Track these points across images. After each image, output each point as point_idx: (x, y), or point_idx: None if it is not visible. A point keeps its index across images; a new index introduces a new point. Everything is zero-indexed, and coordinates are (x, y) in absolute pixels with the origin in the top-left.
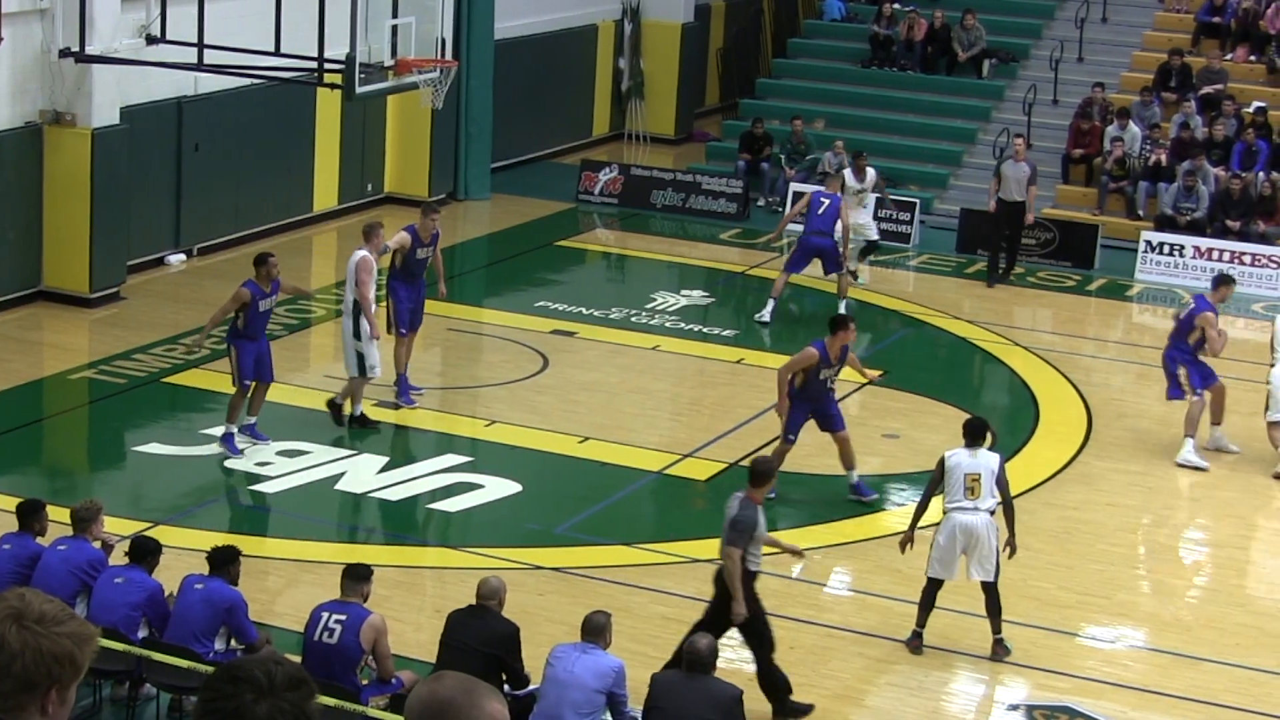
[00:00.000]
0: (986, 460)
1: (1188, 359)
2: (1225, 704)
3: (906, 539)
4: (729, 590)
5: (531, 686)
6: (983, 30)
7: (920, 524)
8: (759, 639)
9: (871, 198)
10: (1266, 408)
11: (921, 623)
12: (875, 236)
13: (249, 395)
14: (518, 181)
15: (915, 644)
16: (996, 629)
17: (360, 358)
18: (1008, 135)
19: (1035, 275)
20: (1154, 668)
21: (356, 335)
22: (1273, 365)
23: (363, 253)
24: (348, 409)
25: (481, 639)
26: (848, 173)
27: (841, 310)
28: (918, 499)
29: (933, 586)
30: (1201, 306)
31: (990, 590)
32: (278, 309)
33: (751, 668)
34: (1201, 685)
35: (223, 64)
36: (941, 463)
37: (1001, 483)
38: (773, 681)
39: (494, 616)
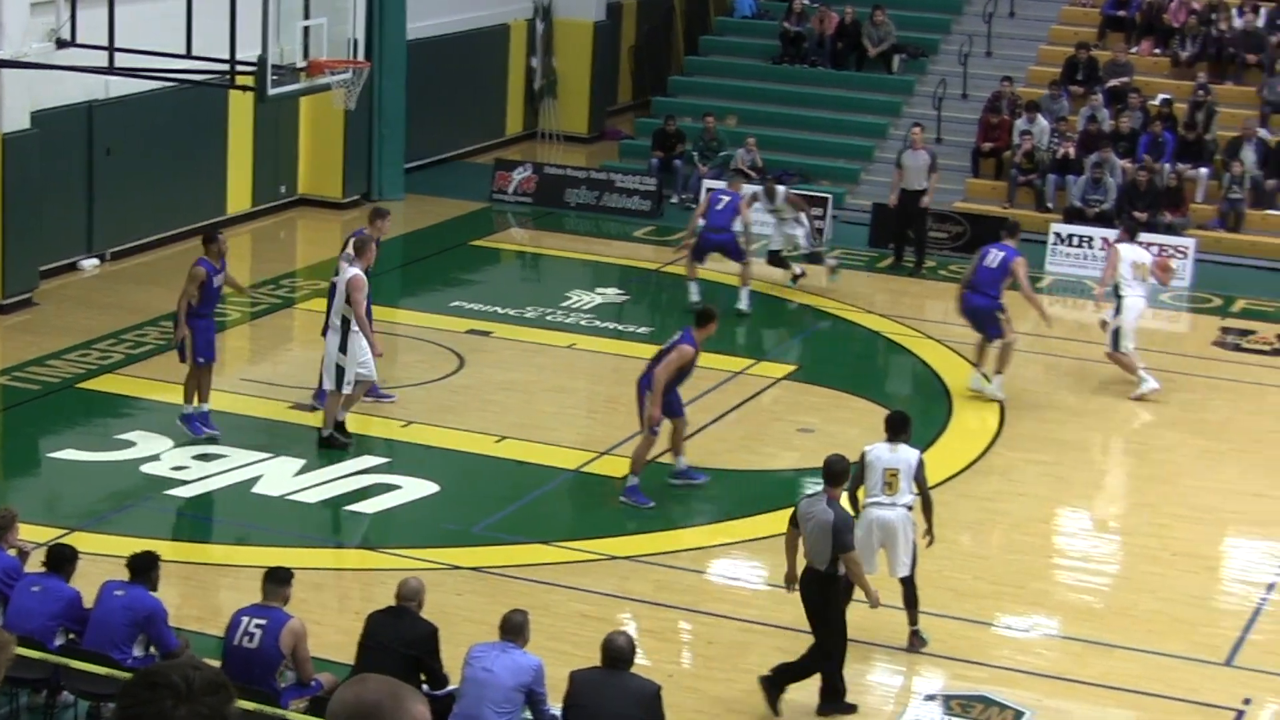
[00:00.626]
0: (905, 455)
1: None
2: (1138, 690)
3: None
4: (826, 597)
5: (450, 686)
6: (892, 26)
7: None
8: (832, 640)
9: (797, 214)
10: (1116, 343)
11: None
12: (806, 246)
13: (199, 377)
14: (431, 182)
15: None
16: (913, 620)
17: (340, 371)
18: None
19: (947, 268)
20: (1068, 655)
21: (343, 350)
22: (1119, 299)
23: (354, 270)
24: (330, 424)
25: (400, 640)
26: (759, 200)
27: (743, 303)
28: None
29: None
30: (1010, 254)
31: (907, 583)
32: None
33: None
34: (1115, 672)
35: (134, 67)
36: (862, 457)
37: (920, 479)
38: (832, 686)
39: (412, 617)
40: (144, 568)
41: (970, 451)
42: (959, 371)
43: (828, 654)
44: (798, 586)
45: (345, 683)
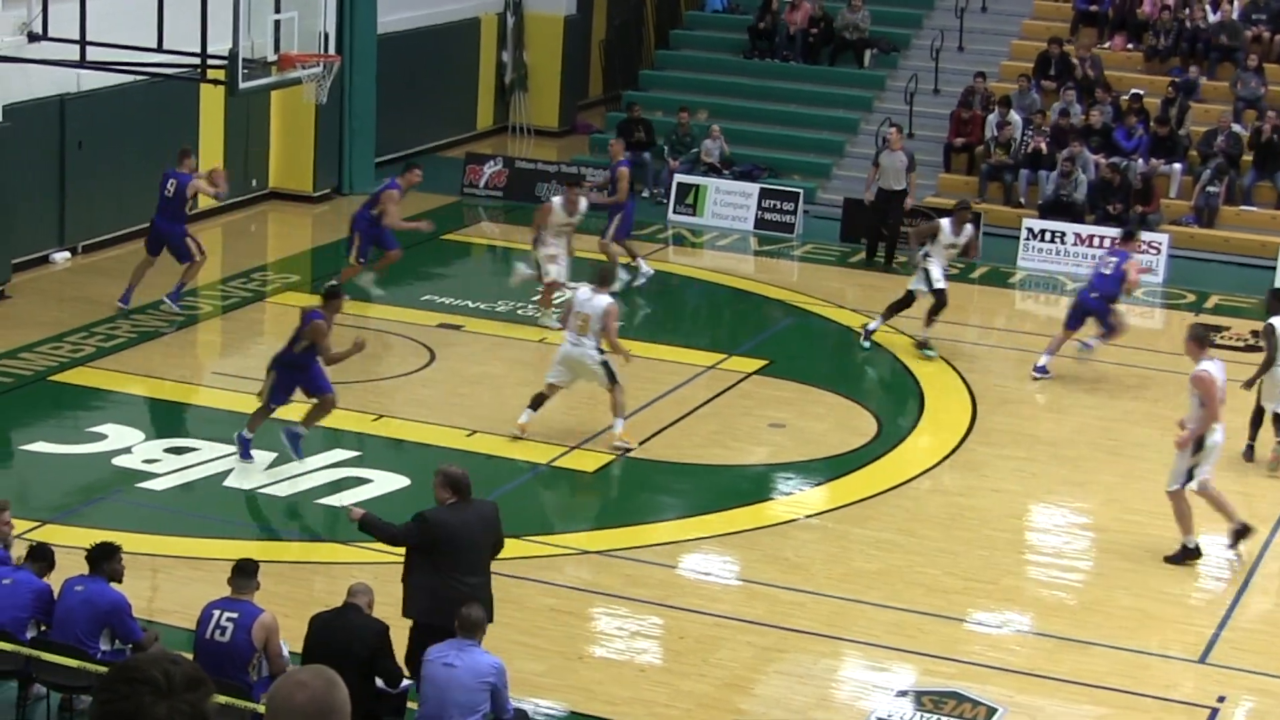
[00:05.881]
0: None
1: None
2: (1111, 686)
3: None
4: None
5: (406, 683)
6: (867, 15)
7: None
8: None
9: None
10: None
11: None
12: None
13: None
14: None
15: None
16: None
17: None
18: (890, 125)
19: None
20: (1040, 651)
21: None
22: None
23: (609, 300)
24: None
25: (351, 639)
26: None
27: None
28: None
29: None
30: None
31: None
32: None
33: None
34: (1087, 668)
35: (105, 61)
36: None
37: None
38: None
39: (361, 615)
40: (102, 558)
41: (942, 447)
42: (929, 366)
43: None
44: None
45: (277, 682)
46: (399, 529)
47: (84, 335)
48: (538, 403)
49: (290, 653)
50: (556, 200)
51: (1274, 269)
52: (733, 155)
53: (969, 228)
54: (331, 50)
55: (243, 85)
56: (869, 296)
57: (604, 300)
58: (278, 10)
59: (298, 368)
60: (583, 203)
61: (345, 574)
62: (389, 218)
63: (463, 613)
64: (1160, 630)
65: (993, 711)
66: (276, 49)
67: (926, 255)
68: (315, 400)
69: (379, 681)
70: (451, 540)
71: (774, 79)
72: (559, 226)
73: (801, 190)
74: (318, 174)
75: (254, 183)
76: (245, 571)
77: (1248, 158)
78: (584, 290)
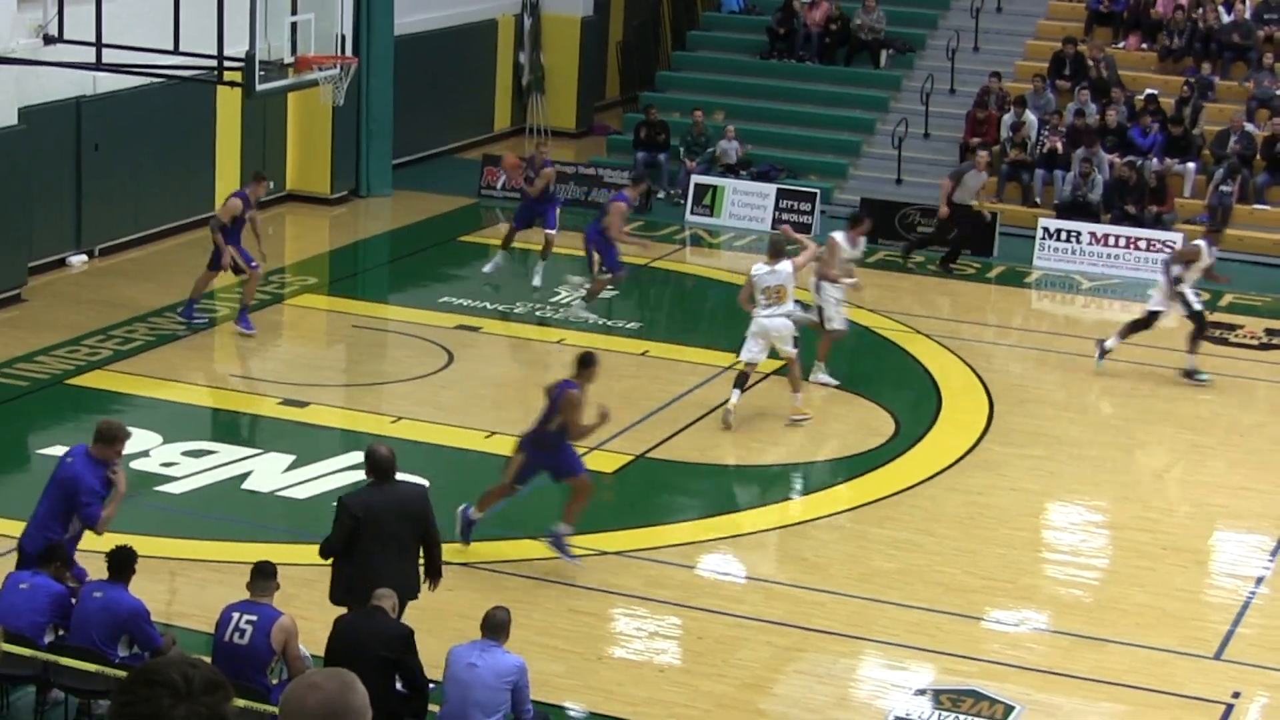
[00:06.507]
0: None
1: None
2: (1128, 684)
3: None
4: None
5: (430, 685)
6: (883, 16)
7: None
8: None
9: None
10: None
11: None
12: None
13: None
14: (420, 177)
15: None
16: None
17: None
18: (906, 125)
19: (935, 263)
20: (1057, 650)
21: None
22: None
23: (790, 262)
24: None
25: (376, 641)
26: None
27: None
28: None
29: None
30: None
31: None
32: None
33: None
34: (1105, 666)
35: (121, 63)
36: None
37: None
38: None
39: (386, 618)
40: (123, 564)
41: (960, 446)
42: (947, 365)
43: None
44: None
45: (299, 687)
46: (331, 534)
47: (101, 339)
48: (741, 382)
49: (313, 656)
50: (840, 235)
51: None
52: (749, 155)
53: (864, 240)
54: (348, 52)
55: (260, 87)
56: (887, 296)
57: (786, 266)
58: (294, 12)
59: (549, 447)
60: (863, 239)
61: None
62: (612, 229)
63: (488, 614)
64: (1176, 627)
65: (1010, 709)
66: (293, 51)
67: (1179, 280)
68: (570, 486)
69: (398, 684)
70: (366, 522)
71: (790, 79)
72: (845, 263)
73: (819, 190)
74: (335, 176)
75: (270, 185)
76: (264, 574)
77: (1261, 159)
78: (760, 266)
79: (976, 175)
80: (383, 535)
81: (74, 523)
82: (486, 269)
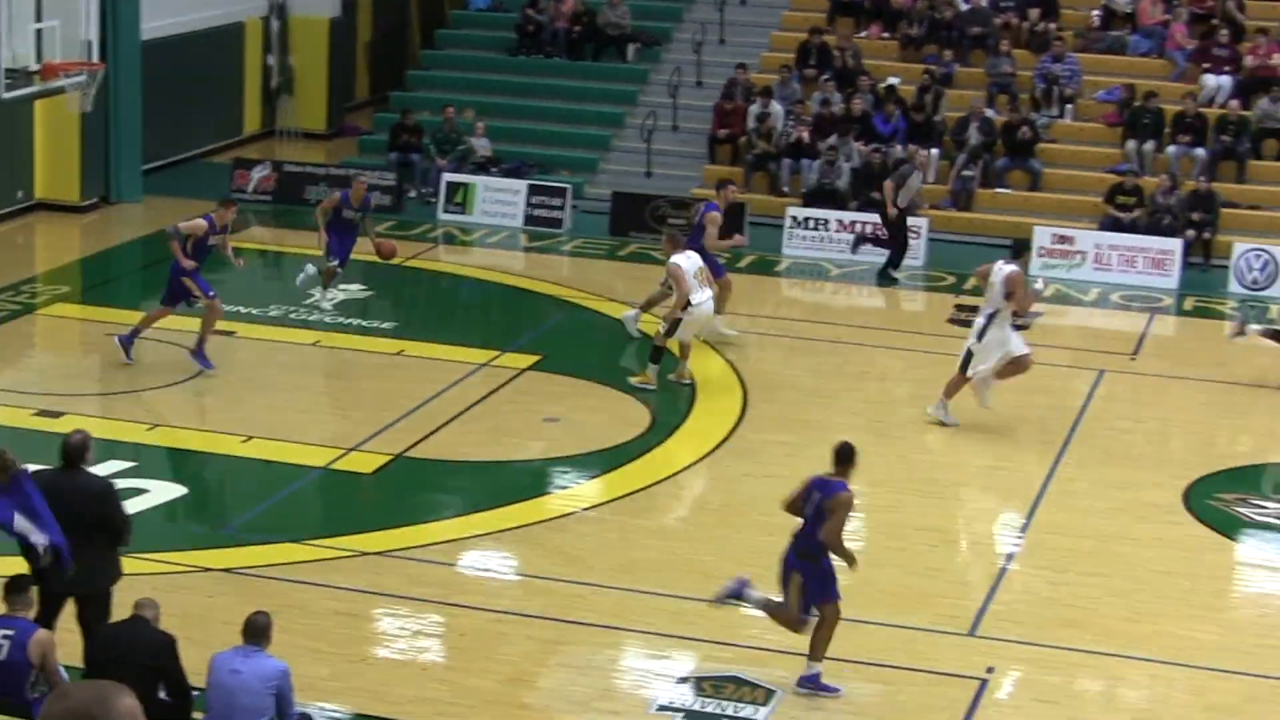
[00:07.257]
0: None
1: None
2: (883, 663)
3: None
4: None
5: (194, 692)
6: (628, 11)
7: None
8: None
9: None
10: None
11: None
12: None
13: None
14: (170, 182)
15: None
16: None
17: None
18: (654, 118)
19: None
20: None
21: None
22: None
23: (1013, 268)
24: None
25: (139, 651)
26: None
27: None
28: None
29: None
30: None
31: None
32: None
33: None
34: (860, 645)
35: None
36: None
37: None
38: None
39: (149, 628)
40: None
41: (716, 433)
42: (700, 355)
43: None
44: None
45: (49, 698)
46: None
47: None
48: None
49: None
50: (1011, 268)
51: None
52: (500, 152)
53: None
54: (95, 58)
55: (6, 95)
56: (639, 289)
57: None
58: (39, 19)
59: (813, 558)
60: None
61: (125, 584)
62: (707, 238)
63: (249, 619)
64: (929, 605)
65: (772, 694)
66: (39, 58)
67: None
68: (821, 612)
69: (161, 692)
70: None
71: (540, 76)
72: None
73: (570, 185)
74: (84, 183)
75: (19, 194)
76: (19, 587)
77: (1001, 144)
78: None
79: (918, 175)
80: (62, 521)
81: None
82: (299, 280)
